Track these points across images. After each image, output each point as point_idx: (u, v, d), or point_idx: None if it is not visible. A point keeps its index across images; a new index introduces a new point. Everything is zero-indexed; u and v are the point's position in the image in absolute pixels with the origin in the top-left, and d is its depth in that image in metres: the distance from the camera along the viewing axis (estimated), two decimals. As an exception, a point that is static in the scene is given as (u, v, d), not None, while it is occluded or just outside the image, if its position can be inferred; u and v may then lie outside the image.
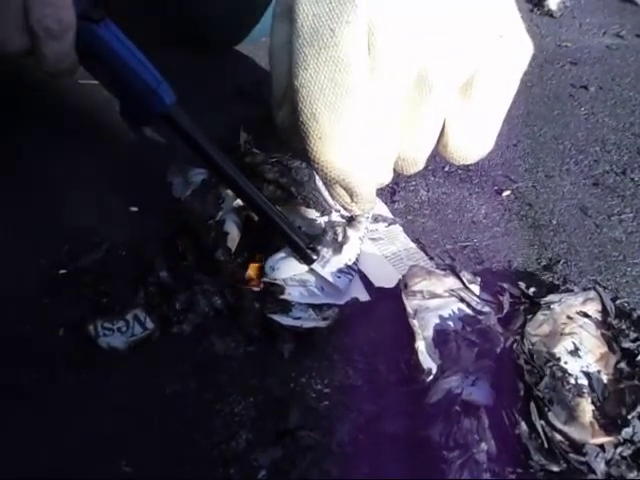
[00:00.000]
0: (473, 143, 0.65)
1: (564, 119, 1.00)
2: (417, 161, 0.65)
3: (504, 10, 0.62)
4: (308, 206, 0.66)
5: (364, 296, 0.67)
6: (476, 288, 0.66)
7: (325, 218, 0.68)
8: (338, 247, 0.66)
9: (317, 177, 0.65)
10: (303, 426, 0.55)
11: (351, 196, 0.63)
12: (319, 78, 0.57)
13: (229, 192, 0.69)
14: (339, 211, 0.69)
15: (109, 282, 0.66)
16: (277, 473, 0.52)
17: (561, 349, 0.60)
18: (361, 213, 0.68)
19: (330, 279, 0.65)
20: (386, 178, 0.65)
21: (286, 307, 0.64)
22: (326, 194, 0.65)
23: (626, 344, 0.61)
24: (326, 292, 0.65)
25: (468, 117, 0.63)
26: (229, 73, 1.04)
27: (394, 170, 0.66)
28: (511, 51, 0.62)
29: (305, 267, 0.66)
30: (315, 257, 0.65)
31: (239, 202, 0.70)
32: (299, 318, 0.64)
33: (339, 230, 0.67)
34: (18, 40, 0.56)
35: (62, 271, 0.68)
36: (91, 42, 0.58)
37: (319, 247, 0.66)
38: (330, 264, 0.66)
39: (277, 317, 0.63)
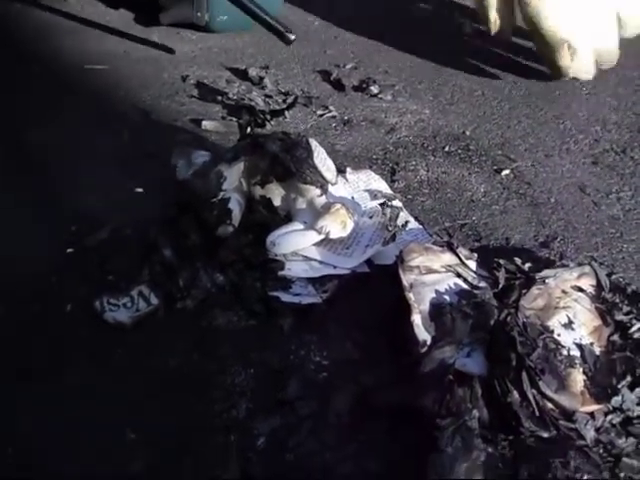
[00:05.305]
0: None
1: (566, 99, 1.01)
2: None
3: None
4: (305, 182, 0.67)
5: (364, 270, 0.68)
6: (473, 264, 0.67)
7: (329, 195, 0.69)
8: (342, 223, 0.67)
9: (315, 154, 0.67)
10: (302, 396, 0.57)
11: (572, 55, 0.92)
12: None
13: (231, 171, 0.70)
14: (336, 183, 0.71)
15: (115, 260, 0.68)
16: (276, 440, 0.53)
17: (555, 322, 0.61)
18: (584, 76, 0.98)
19: (333, 254, 0.66)
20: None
21: (286, 284, 0.66)
22: (323, 170, 0.67)
23: (619, 317, 0.62)
24: (326, 265, 0.66)
25: None
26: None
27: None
28: None
29: (306, 242, 0.67)
30: (293, 37, 0.78)
31: (242, 181, 0.71)
32: (299, 294, 0.65)
33: (342, 205, 0.68)
34: None
35: (69, 250, 0.70)
36: None
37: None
38: (334, 238, 0.67)
39: (277, 294, 0.64)
